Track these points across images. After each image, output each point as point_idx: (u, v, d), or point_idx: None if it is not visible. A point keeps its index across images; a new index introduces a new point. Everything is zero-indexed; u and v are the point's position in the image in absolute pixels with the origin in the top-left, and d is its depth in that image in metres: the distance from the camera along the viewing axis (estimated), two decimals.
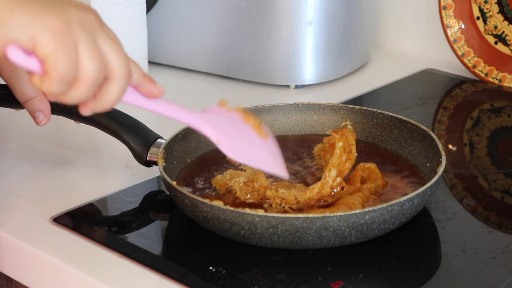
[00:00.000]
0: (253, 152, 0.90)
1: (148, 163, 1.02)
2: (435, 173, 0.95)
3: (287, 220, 0.86)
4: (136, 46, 1.35)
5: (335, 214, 0.86)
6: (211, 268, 0.87)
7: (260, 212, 0.87)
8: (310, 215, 0.86)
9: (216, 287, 0.85)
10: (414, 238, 0.93)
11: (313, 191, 0.93)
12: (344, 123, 1.00)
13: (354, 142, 0.98)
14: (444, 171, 0.94)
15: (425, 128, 1.03)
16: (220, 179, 0.97)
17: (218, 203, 0.88)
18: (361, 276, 0.86)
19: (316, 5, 1.33)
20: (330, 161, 0.96)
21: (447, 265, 0.89)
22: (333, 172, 0.95)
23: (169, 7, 1.41)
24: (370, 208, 0.87)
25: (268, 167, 0.90)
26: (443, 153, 0.97)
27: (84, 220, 0.97)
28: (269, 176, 0.97)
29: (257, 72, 1.37)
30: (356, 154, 0.97)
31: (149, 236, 0.95)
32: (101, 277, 0.88)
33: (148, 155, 1.01)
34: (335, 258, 0.88)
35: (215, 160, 1.03)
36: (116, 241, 0.93)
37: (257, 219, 0.86)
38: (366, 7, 1.44)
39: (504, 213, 0.99)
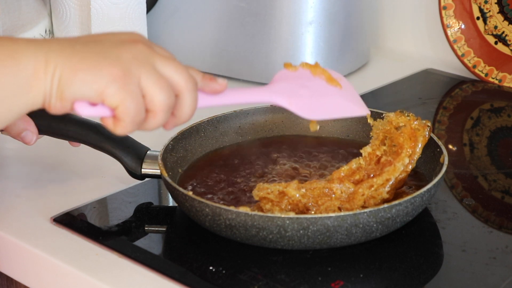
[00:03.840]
0: (328, 103, 0.92)
1: (143, 177, 1.01)
2: (432, 163, 0.98)
3: (318, 220, 0.86)
4: None
5: (365, 211, 0.86)
6: (211, 268, 0.87)
7: (291, 214, 0.87)
8: (342, 213, 0.86)
9: (216, 287, 0.85)
10: (414, 238, 0.93)
11: (384, 177, 0.93)
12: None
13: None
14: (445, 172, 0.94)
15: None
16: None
17: (245, 209, 0.88)
18: (361, 276, 0.86)
19: (316, 5, 1.33)
20: (406, 154, 0.95)
21: (447, 265, 0.89)
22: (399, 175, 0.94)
23: (169, 7, 1.41)
24: (396, 202, 0.88)
25: (346, 112, 0.92)
26: (440, 143, 0.99)
27: (84, 220, 0.97)
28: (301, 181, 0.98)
29: (257, 72, 1.37)
30: None
31: (149, 236, 0.95)
32: (101, 277, 0.88)
33: (142, 168, 1.00)
34: (335, 258, 0.89)
35: (203, 167, 1.04)
36: (116, 241, 0.93)
37: (288, 221, 0.86)
38: (366, 7, 1.44)
39: (504, 213, 0.99)
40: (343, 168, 0.95)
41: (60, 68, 0.78)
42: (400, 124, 0.96)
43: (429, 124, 0.96)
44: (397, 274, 0.87)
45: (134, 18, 1.33)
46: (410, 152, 0.94)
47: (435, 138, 1.00)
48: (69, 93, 0.78)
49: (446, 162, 0.95)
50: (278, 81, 0.93)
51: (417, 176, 1.00)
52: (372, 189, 0.92)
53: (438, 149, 0.99)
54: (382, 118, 0.99)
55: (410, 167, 0.94)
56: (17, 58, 0.77)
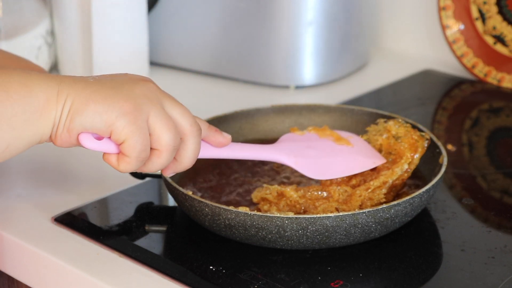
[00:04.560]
0: (336, 163, 0.95)
1: (144, 176, 1.01)
2: (431, 164, 0.98)
3: (317, 220, 0.86)
4: (137, 47, 1.35)
5: (364, 211, 0.86)
6: (211, 267, 0.88)
7: (290, 214, 0.87)
8: (340, 213, 0.86)
9: (216, 287, 0.85)
10: (413, 238, 0.93)
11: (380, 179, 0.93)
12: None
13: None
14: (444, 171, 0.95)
15: (411, 121, 1.04)
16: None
17: (244, 209, 0.88)
18: (361, 275, 0.87)
19: (316, 6, 1.34)
20: (405, 163, 0.95)
21: (447, 264, 0.89)
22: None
23: (169, 8, 1.42)
24: (395, 202, 0.88)
25: (357, 168, 0.94)
26: (439, 143, 0.99)
27: (85, 220, 0.98)
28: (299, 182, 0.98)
29: (257, 72, 1.37)
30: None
31: (150, 236, 0.95)
32: (102, 276, 0.88)
33: None
34: (334, 258, 0.89)
35: (203, 167, 1.03)
36: (117, 241, 0.93)
37: (287, 221, 0.86)
38: (366, 8, 1.44)
39: (503, 212, 0.99)
40: None
41: (71, 98, 0.79)
42: (399, 135, 0.97)
43: (428, 137, 0.97)
44: (397, 273, 0.87)
45: (135, 19, 1.33)
46: (410, 159, 0.95)
47: (435, 138, 1.00)
48: (78, 123, 0.79)
49: (445, 162, 0.96)
50: (285, 141, 0.96)
51: (416, 177, 1.01)
52: (369, 190, 0.92)
53: (438, 150, 0.99)
54: (376, 124, 1.00)
55: (406, 175, 0.95)
56: (30, 86, 0.79)
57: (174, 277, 0.87)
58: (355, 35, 1.42)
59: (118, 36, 1.32)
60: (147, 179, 1.03)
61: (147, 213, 0.99)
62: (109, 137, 0.81)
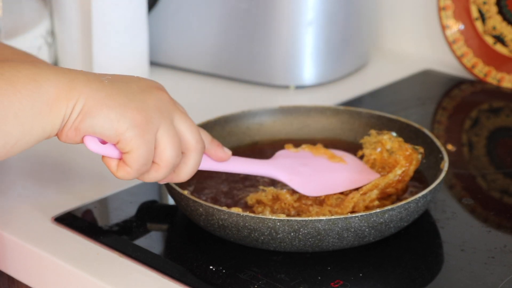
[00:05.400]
0: (330, 179, 0.96)
1: None
2: (434, 169, 0.97)
3: (309, 223, 0.86)
4: (137, 47, 1.35)
5: (356, 215, 0.86)
6: (211, 267, 0.88)
7: (282, 216, 0.87)
8: (333, 217, 0.86)
9: (216, 287, 0.85)
10: (413, 238, 0.93)
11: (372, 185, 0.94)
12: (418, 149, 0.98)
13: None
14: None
15: (417, 125, 1.04)
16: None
17: (236, 210, 0.88)
18: (361, 275, 0.87)
19: (316, 6, 1.34)
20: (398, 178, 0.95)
21: (447, 264, 0.89)
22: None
23: (169, 8, 1.42)
24: (389, 207, 0.87)
25: (351, 184, 0.96)
26: (442, 149, 0.99)
27: (85, 220, 0.98)
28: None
29: (257, 72, 1.37)
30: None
31: (150, 236, 0.95)
32: (102, 276, 0.88)
33: None
34: (335, 258, 0.89)
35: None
36: (117, 241, 0.93)
37: (278, 223, 0.86)
38: (366, 8, 1.44)
39: (502, 212, 0.99)
40: None
41: (84, 98, 0.78)
42: (393, 150, 0.98)
43: (421, 151, 0.97)
44: (396, 273, 0.87)
45: (135, 19, 1.33)
46: (406, 167, 0.95)
47: (438, 143, 1.00)
48: (88, 125, 0.79)
49: (445, 168, 0.95)
50: (280, 157, 0.98)
51: (420, 182, 1.00)
52: (361, 192, 0.92)
53: (440, 155, 0.98)
54: (369, 135, 1.00)
55: (400, 185, 0.95)
56: (39, 81, 0.78)
57: (174, 277, 0.87)
58: (355, 35, 1.42)
59: (118, 36, 1.32)
60: None
61: (147, 213, 0.99)
62: (115, 144, 0.81)
